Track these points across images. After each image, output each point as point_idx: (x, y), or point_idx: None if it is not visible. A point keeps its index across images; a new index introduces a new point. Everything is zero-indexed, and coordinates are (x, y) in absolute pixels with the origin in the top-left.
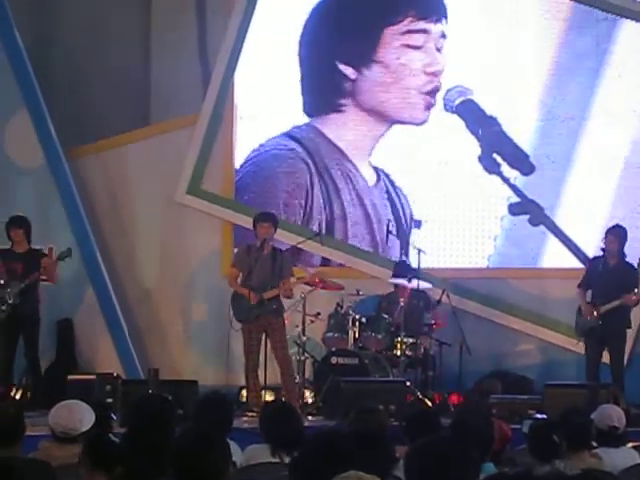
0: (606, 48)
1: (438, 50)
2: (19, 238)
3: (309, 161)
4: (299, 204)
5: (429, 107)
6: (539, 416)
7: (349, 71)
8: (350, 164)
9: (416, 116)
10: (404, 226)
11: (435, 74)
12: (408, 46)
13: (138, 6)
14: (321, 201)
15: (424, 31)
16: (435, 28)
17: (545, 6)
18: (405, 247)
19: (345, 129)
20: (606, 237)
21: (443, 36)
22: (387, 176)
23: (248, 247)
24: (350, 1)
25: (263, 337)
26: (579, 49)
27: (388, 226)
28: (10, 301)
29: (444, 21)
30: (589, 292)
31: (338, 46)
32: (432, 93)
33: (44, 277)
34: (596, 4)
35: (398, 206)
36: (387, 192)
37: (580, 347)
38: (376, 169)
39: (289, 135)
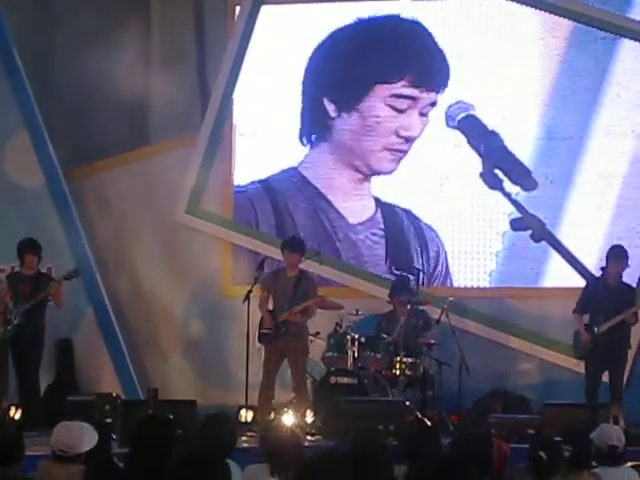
0: (605, 67)
1: (422, 115)
2: (32, 264)
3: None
4: None
5: (396, 160)
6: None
7: (331, 108)
8: (325, 202)
9: (381, 167)
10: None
11: (407, 139)
12: (391, 107)
13: (137, 27)
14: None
15: (412, 98)
16: (426, 96)
17: (545, 25)
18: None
19: (322, 168)
20: (615, 259)
21: (432, 104)
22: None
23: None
24: (357, 44)
25: (282, 359)
26: (578, 68)
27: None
28: (15, 321)
29: (440, 91)
30: (586, 316)
31: (331, 83)
32: (399, 152)
33: (51, 301)
34: (595, 23)
35: (408, 236)
36: (383, 227)
37: (580, 367)
38: (377, 201)
39: (263, 182)
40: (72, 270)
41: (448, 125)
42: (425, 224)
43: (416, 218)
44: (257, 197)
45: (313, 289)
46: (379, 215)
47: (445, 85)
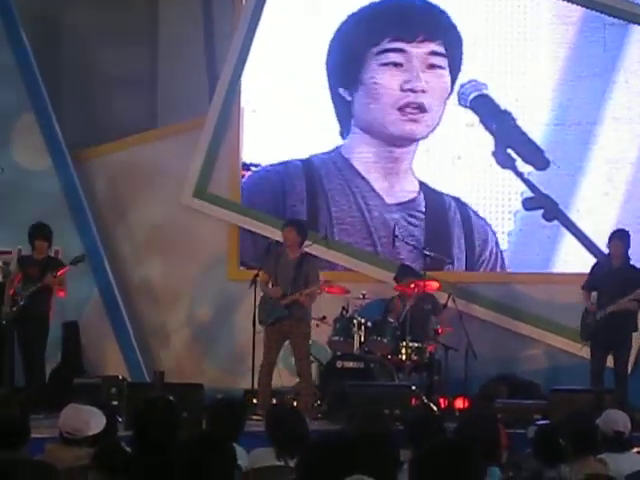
0: (614, 53)
1: (430, 67)
2: (43, 249)
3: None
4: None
5: (410, 120)
6: (541, 422)
7: (346, 94)
8: (362, 181)
9: (398, 130)
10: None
11: (413, 90)
12: (384, 65)
13: (146, 10)
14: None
15: (401, 50)
16: (421, 45)
17: (554, 11)
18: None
19: (358, 150)
20: (612, 241)
21: (437, 55)
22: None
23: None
24: (352, 24)
25: (284, 342)
26: (587, 54)
27: (394, 230)
28: (21, 302)
29: (440, 39)
30: (594, 294)
31: (339, 71)
32: (409, 107)
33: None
34: (604, 9)
35: (449, 222)
36: (424, 209)
37: (584, 351)
38: (423, 186)
39: (305, 160)
40: (79, 255)
41: (460, 104)
42: (474, 211)
43: (464, 205)
44: (292, 177)
45: (314, 272)
46: (421, 198)
47: (442, 31)
